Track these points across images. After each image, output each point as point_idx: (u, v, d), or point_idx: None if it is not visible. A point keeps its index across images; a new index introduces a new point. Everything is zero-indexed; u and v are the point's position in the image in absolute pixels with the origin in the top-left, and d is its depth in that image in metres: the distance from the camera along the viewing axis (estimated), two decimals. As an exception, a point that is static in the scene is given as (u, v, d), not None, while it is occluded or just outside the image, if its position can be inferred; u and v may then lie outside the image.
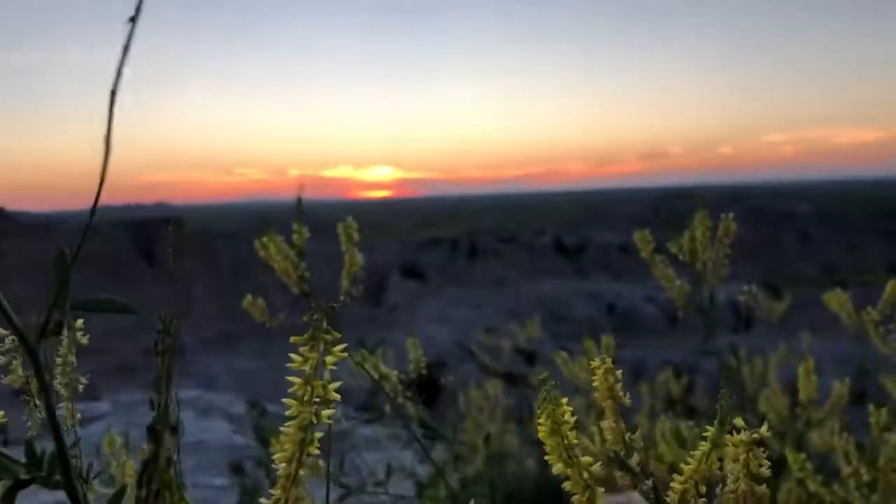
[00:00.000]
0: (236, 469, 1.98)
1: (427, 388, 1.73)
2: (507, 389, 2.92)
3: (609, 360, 0.47)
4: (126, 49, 0.39)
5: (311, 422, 0.39)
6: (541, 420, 0.35)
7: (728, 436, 0.34)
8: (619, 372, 0.45)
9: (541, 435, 0.35)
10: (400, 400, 1.62)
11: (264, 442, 2.06)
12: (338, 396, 0.39)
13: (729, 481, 0.35)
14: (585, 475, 0.36)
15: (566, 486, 0.36)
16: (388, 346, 1.81)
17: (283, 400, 0.39)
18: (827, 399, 1.68)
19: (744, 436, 0.35)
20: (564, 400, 0.35)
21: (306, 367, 0.38)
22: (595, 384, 0.46)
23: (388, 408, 1.63)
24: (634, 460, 0.42)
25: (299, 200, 1.32)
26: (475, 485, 1.83)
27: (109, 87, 0.39)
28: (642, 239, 1.39)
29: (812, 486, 1.28)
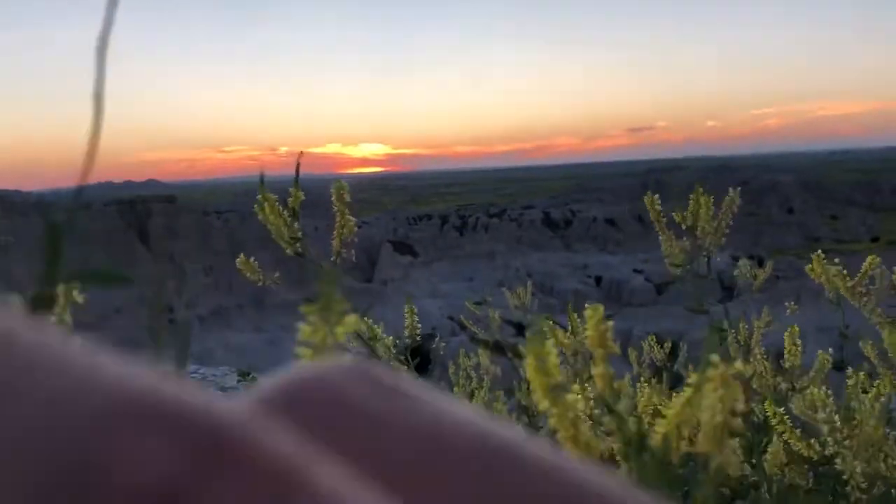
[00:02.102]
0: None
1: (417, 358, 1.76)
2: (495, 359, 2.96)
3: (601, 309, 0.49)
4: (110, 21, 0.36)
5: None
6: (528, 360, 0.37)
7: (706, 372, 0.37)
8: (610, 323, 0.47)
9: (528, 374, 0.37)
10: (392, 363, 1.65)
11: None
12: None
13: (706, 416, 0.38)
14: (570, 412, 0.38)
15: (551, 421, 0.38)
16: (378, 319, 1.83)
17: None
18: (810, 365, 1.73)
19: (720, 370, 0.38)
20: (550, 341, 0.37)
21: (316, 338, 0.33)
22: (587, 332, 0.48)
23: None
24: (621, 406, 0.44)
25: (297, 167, 1.33)
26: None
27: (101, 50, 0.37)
28: (650, 202, 1.41)
29: (793, 442, 1.33)
